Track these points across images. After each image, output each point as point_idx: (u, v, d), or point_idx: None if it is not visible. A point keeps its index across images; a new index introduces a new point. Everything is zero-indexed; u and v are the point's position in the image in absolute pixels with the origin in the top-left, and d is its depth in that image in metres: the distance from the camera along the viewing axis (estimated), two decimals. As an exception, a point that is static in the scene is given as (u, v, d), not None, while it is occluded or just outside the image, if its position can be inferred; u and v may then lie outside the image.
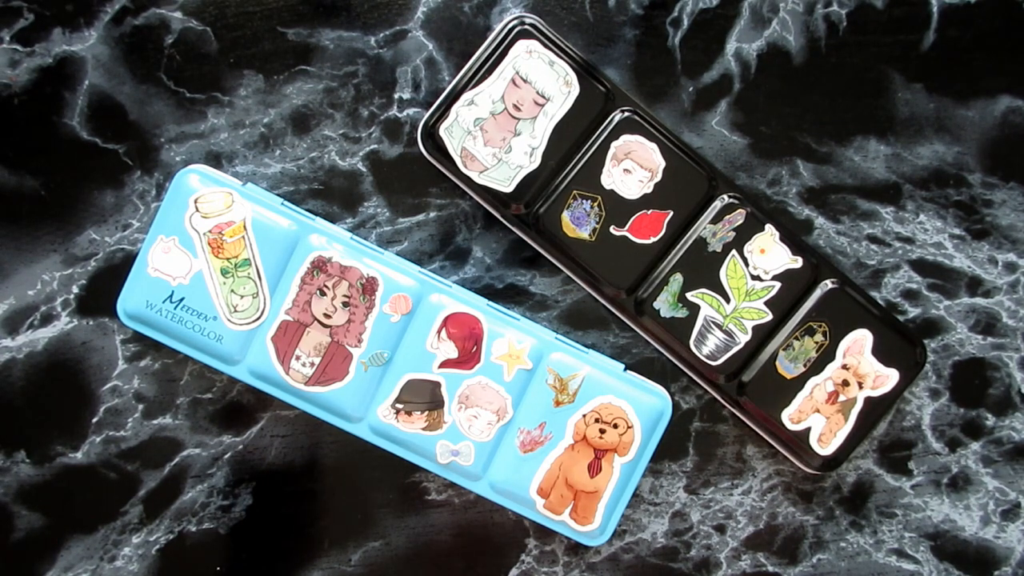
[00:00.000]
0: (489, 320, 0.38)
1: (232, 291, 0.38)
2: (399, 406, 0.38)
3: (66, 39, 0.40)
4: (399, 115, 0.40)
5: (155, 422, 0.40)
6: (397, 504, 0.41)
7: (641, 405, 0.38)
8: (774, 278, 0.39)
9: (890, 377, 0.39)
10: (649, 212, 0.39)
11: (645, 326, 0.40)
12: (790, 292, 0.39)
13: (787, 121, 0.41)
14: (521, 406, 0.38)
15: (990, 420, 0.41)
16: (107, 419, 0.40)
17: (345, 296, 0.38)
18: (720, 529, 0.41)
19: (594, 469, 0.38)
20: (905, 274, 0.41)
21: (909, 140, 0.41)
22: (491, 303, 0.39)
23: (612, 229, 0.39)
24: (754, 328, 0.39)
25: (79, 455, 0.40)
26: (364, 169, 0.40)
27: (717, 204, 0.39)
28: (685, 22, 0.41)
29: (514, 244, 0.41)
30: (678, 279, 0.39)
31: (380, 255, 0.38)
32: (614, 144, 0.39)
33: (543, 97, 0.39)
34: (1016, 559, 0.42)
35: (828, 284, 0.39)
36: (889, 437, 0.41)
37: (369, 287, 0.38)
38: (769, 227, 0.39)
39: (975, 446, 0.41)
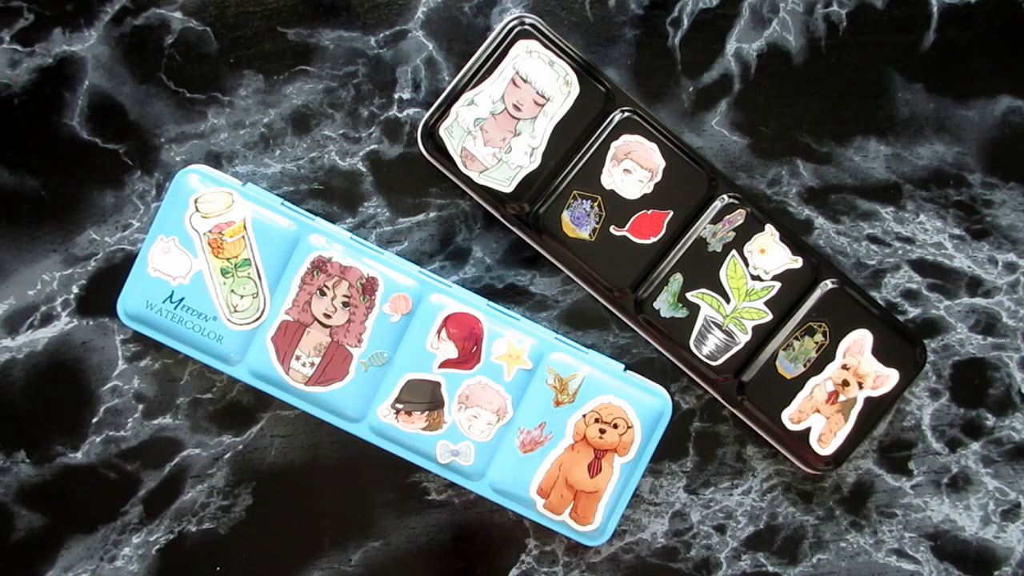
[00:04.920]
0: (489, 320, 0.38)
1: (232, 291, 0.38)
2: (399, 406, 0.38)
3: (66, 39, 0.40)
4: (399, 115, 0.40)
5: (155, 422, 0.40)
6: (397, 504, 0.41)
7: (641, 405, 0.38)
8: (774, 278, 0.39)
9: (890, 377, 0.39)
10: (649, 212, 0.39)
11: (645, 326, 0.40)
12: (790, 292, 0.39)
13: (787, 121, 0.41)
14: (521, 406, 0.38)
15: (990, 420, 0.41)
16: (107, 419, 0.40)
17: (345, 296, 0.38)
18: (720, 529, 0.41)
19: (594, 469, 0.38)
20: (905, 274, 0.41)
21: (909, 140, 0.41)
22: (491, 303, 0.39)
23: (612, 229, 0.39)
24: (754, 328, 0.39)
25: (79, 455, 0.40)
26: (364, 169, 0.40)
27: (717, 204, 0.39)
28: (685, 22, 0.41)
29: (514, 244, 0.41)
30: (678, 279, 0.39)
31: (380, 255, 0.38)
32: (614, 144, 0.39)
33: (543, 97, 0.39)
34: (1016, 559, 0.42)
35: (828, 284, 0.39)
36: (889, 437, 0.41)
37: (369, 287, 0.38)
38: (769, 227, 0.39)
39: (975, 446, 0.41)
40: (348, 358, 0.38)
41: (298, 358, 0.38)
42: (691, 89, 0.41)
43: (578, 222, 0.39)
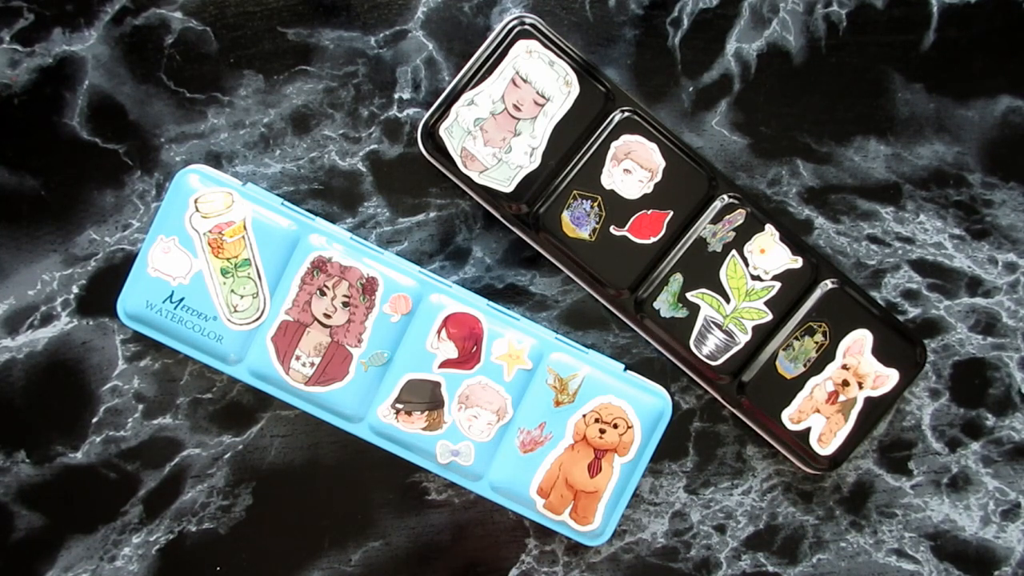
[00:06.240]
0: (489, 320, 0.38)
1: (232, 291, 0.38)
2: (399, 406, 0.38)
3: (66, 39, 0.40)
4: (399, 115, 0.40)
5: (155, 422, 0.40)
6: (397, 504, 0.41)
7: (641, 405, 0.38)
8: (774, 278, 0.39)
9: (890, 377, 0.39)
10: (649, 212, 0.39)
11: (645, 326, 0.40)
12: (790, 292, 0.39)
13: (787, 121, 0.41)
14: (521, 406, 0.38)
15: (990, 420, 0.41)
16: (107, 419, 0.40)
17: (345, 296, 0.38)
18: (720, 529, 0.41)
19: (594, 469, 0.38)
20: (905, 274, 0.41)
21: (909, 140, 0.41)
22: (491, 303, 0.39)
23: (612, 229, 0.39)
24: (754, 328, 0.39)
25: (79, 455, 0.40)
26: (364, 169, 0.40)
27: (717, 204, 0.39)
28: (685, 22, 0.41)
29: (514, 244, 0.41)
30: (678, 279, 0.39)
31: (380, 255, 0.38)
32: (614, 144, 0.39)
33: (543, 97, 0.39)
34: (1016, 559, 0.42)
35: (828, 284, 0.39)
36: (889, 437, 0.41)
37: (369, 287, 0.38)
38: (769, 227, 0.39)
39: (975, 446, 0.41)
40: (348, 358, 0.38)
41: (298, 358, 0.38)
42: (691, 89, 0.41)
43: (578, 222, 0.39)
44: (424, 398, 0.38)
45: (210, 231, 0.38)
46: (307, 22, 0.40)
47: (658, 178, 0.39)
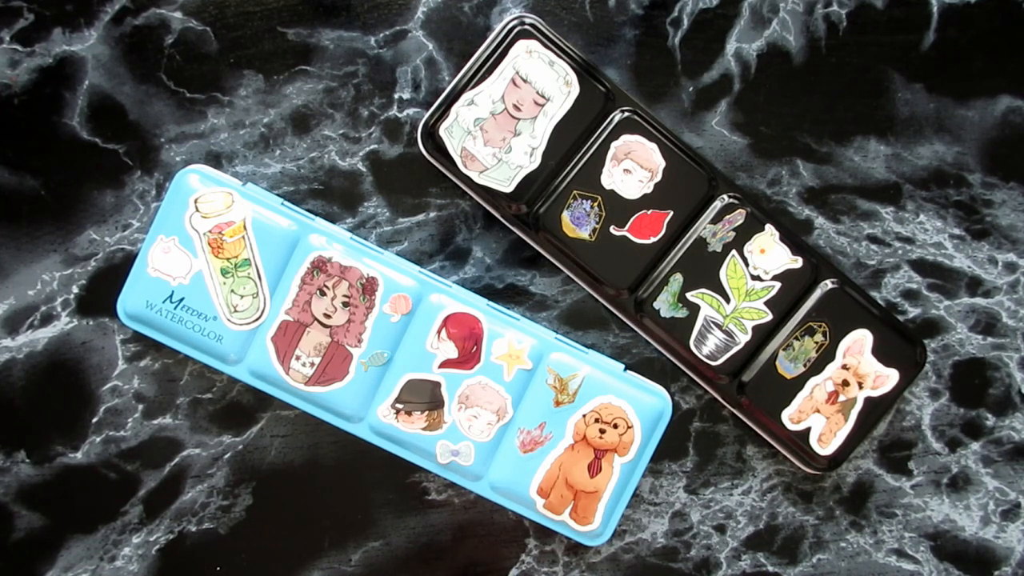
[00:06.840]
0: (489, 320, 0.38)
1: (232, 291, 0.38)
2: (399, 406, 0.38)
3: (66, 39, 0.40)
4: (399, 115, 0.40)
5: (155, 422, 0.40)
6: (397, 504, 0.41)
7: (641, 405, 0.38)
8: (774, 278, 0.39)
9: (890, 377, 0.39)
10: (649, 212, 0.39)
11: (645, 326, 0.40)
12: (790, 292, 0.39)
13: (787, 121, 0.41)
14: (521, 406, 0.38)
15: (990, 420, 0.41)
16: (107, 419, 0.40)
17: (345, 296, 0.38)
18: (720, 529, 0.41)
19: (594, 469, 0.38)
20: (905, 274, 0.41)
21: (909, 140, 0.41)
22: (491, 303, 0.39)
23: (612, 229, 0.39)
24: (754, 328, 0.39)
25: (79, 455, 0.40)
26: (364, 169, 0.40)
27: (717, 204, 0.39)
28: (685, 22, 0.41)
29: (514, 244, 0.41)
30: (678, 279, 0.39)
31: (380, 255, 0.38)
32: (614, 144, 0.39)
33: (543, 97, 0.39)
34: (1016, 559, 0.42)
35: (828, 284, 0.39)
36: (889, 437, 0.41)
37: (369, 287, 0.38)
38: (769, 227, 0.39)
39: (975, 446, 0.41)
40: (348, 358, 0.38)
41: (298, 358, 0.38)
42: (691, 89, 0.41)
43: (578, 222, 0.39)
44: (424, 398, 0.38)
45: (210, 231, 0.38)
46: (307, 22, 0.40)
47: (658, 178, 0.39)
